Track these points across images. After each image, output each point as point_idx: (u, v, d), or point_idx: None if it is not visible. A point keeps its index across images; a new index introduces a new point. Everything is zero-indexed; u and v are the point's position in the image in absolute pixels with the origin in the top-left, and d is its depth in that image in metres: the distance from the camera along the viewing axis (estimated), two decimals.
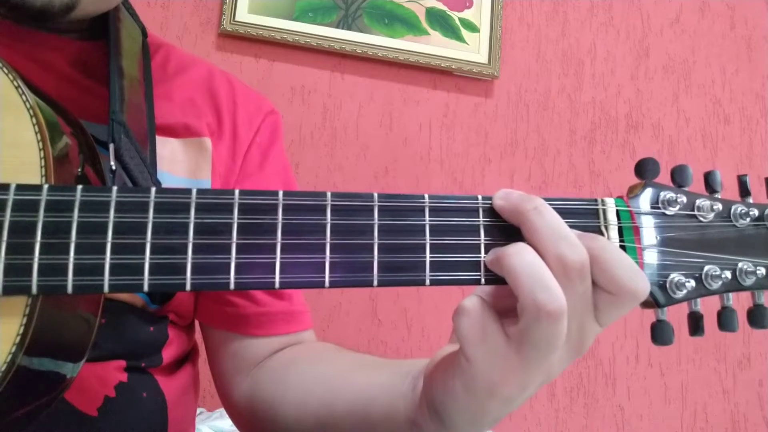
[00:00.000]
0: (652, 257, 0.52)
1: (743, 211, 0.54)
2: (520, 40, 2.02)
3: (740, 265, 0.53)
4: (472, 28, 1.95)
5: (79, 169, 0.54)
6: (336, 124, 1.86)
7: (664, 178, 0.56)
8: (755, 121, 2.13)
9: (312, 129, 1.84)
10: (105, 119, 0.66)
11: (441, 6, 1.95)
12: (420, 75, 1.93)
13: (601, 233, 0.52)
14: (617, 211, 0.53)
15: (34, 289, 0.45)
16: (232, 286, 0.47)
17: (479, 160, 1.92)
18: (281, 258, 0.47)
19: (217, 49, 1.83)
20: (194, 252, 0.47)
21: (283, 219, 0.48)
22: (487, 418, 0.51)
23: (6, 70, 0.50)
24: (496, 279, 0.50)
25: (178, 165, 0.77)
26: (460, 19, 1.95)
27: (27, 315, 0.45)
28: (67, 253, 0.45)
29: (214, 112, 0.84)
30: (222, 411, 1.28)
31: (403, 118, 1.90)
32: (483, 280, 0.50)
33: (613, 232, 0.53)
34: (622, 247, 0.52)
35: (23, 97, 0.50)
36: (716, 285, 0.53)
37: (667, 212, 0.54)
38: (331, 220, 0.49)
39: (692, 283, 0.52)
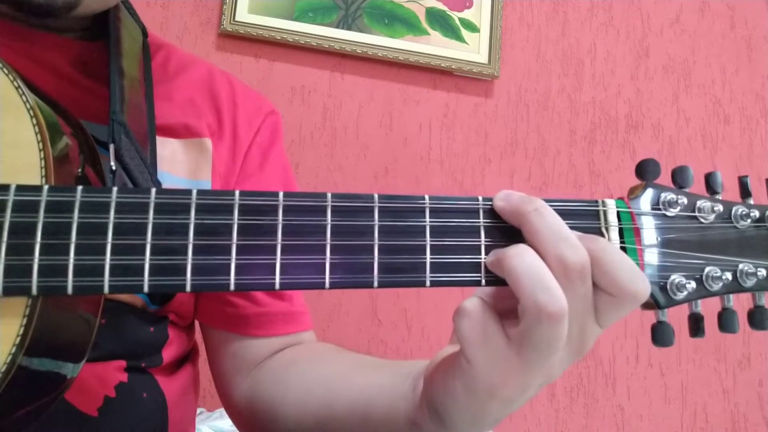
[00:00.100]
0: (652, 258, 0.52)
1: (744, 213, 0.54)
2: (520, 40, 2.02)
3: (741, 266, 0.53)
4: (472, 28, 1.95)
5: (80, 170, 0.54)
6: (336, 124, 1.86)
7: (664, 179, 0.56)
8: (755, 121, 2.13)
9: (312, 129, 1.84)
10: (105, 119, 0.66)
11: (441, 6, 1.94)
12: (420, 75, 1.93)
13: (602, 234, 0.52)
14: (618, 212, 0.53)
15: (34, 290, 0.45)
16: (232, 287, 0.47)
17: (479, 160, 1.92)
18: (281, 259, 0.47)
19: (217, 49, 1.83)
20: (194, 253, 0.46)
21: (283, 220, 0.48)
22: (487, 419, 0.51)
23: (6, 71, 0.50)
24: (496, 280, 0.50)
25: (179, 165, 0.77)
26: (460, 19, 1.95)
27: (27, 316, 0.45)
28: (67, 253, 0.45)
29: (215, 112, 0.84)
30: (222, 411, 1.28)
31: (403, 118, 1.90)
32: (483, 282, 0.50)
33: (614, 234, 0.53)
34: (623, 249, 0.52)
35: (23, 97, 0.50)
36: (717, 286, 0.53)
37: (668, 213, 0.54)
38: (332, 221, 0.49)
39: (693, 284, 0.52)
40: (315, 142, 1.83)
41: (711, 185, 0.56)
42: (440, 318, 1.80)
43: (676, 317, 0.55)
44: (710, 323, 0.55)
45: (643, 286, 0.48)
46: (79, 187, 0.47)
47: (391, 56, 1.88)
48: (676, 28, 2.14)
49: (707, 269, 0.53)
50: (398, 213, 0.50)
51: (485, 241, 0.50)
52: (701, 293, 0.53)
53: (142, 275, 0.46)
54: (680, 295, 0.52)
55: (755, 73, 2.16)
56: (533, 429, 1.84)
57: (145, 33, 0.83)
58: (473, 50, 1.94)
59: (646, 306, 0.52)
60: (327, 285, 0.48)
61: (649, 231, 0.53)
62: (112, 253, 0.46)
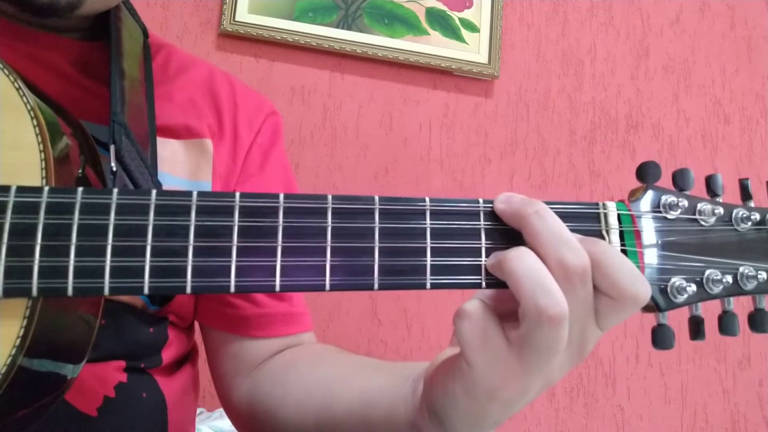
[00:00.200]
0: (653, 261, 0.52)
1: (745, 215, 0.54)
2: (520, 40, 2.02)
3: (741, 269, 0.53)
4: (472, 28, 1.95)
5: (80, 171, 0.54)
6: (336, 124, 1.86)
7: (665, 181, 0.56)
8: (755, 121, 2.13)
9: (312, 129, 1.84)
10: (105, 120, 0.66)
11: (441, 6, 1.94)
12: (420, 75, 1.93)
13: (603, 237, 0.52)
14: (618, 214, 0.53)
15: (35, 292, 0.45)
16: (232, 289, 0.47)
17: (479, 160, 1.92)
18: (282, 261, 0.47)
19: (217, 49, 1.83)
20: (195, 255, 0.46)
21: (283, 222, 0.48)
22: (487, 421, 0.51)
23: (7, 72, 0.50)
24: (497, 283, 0.49)
25: (179, 166, 0.77)
26: (460, 19, 1.95)
27: (27, 317, 0.45)
28: (68, 255, 0.45)
29: (215, 113, 0.84)
30: (222, 411, 1.28)
31: (403, 118, 1.90)
32: (484, 284, 0.50)
33: (615, 236, 0.53)
34: (624, 251, 0.52)
35: (24, 98, 0.50)
36: (717, 289, 0.53)
37: (669, 216, 0.53)
38: (332, 223, 0.49)
39: (693, 287, 0.52)
40: (315, 142, 1.83)
41: (711, 188, 0.56)
42: (440, 318, 1.80)
43: (676, 318, 0.55)
44: (710, 325, 0.55)
45: (643, 289, 0.48)
46: (80, 189, 0.47)
47: (391, 56, 1.88)
48: (676, 28, 2.14)
49: (708, 272, 0.53)
50: (399, 215, 0.50)
51: (486, 244, 0.50)
52: (702, 296, 0.53)
53: (143, 277, 0.46)
54: (681, 298, 0.52)
55: (755, 73, 2.16)
56: (533, 429, 1.84)
57: (145, 33, 0.83)
58: (473, 50, 1.94)
59: (647, 309, 0.52)
60: (327, 287, 0.48)
61: (650, 234, 0.53)
62: (113, 254, 0.46)
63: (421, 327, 1.81)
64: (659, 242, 0.53)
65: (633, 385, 1.90)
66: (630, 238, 0.53)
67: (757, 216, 0.54)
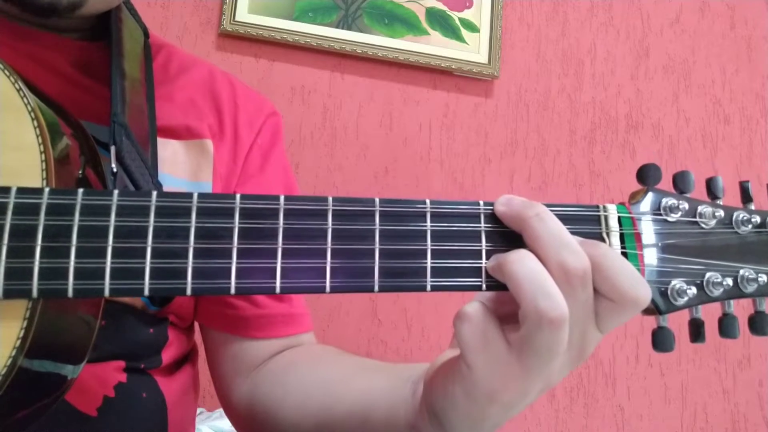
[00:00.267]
0: (653, 264, 0.52)
1: (745, 218, 0.54)
2: (520, 40, 2.02)
3: (742, 272, 0.53)
4: (472, 28, 1.95)
5: (80, 171, 0.54)
6: (336, 124, 1.86)
7: (665, 183, 0.55)
8: (755, 121, 2.13)
9: (312, 129, 1.84)
10: (106, 120, 0.66)
11: (441, 6, 1.94)
12: (420, 75, 1.93)
13: (603, 240, 0.52)
14: (619, 217, 0.53)
15: (35, 293, 0.45)
16: (232, 291, 0.47)
17: (479, 160, 1.92)
18: (282, 263, 0.47)
19: (217, 49, 1.83)
20: (195, 256, 0.46)
21: (284, 224, 0.48)
22: (487, 423, 0.51)
23: (8, 72, 0.50)
24: (497, 285, 0.49)
25: (180, 167, 0.77)
26: (460, 19, 1.95)
27: (27, 318, 0.45)
28: (68, 256, 0.45)
29: (216, 113, 0.83)
30: (222, 411, 1.28)
31: (403, 118, 1.90)
32: (484, 287, 0.50)
33: (615, 239, 0.53)
34: (624, 254, 0.52)
35: (24, 99, 0.50)
36: (718, 292, 0.53)
37: (669, 219, 0.53)
38: (333, 225, 0.49)
39: (693, 290, 0.52)
40: (315, 142, 1.83)
41: (712, 190, 0.56)
42: (440, 318, 1.80)
43: (676, 319, 0.55)
44: (710, 327, 0.55)
45: (644, 292, 0.48)
46: (80, 190, 0.47)
47: (391, 56, 1.88)
48: (676, 28, 2.14)
49: (708, 275, 0.53)
50: (399, 217, 0.50)
51: (486, 246, 0.50)
52: (702, 299, 0.53)
53: (143, 278, 0.46)
54: (681, 301, 0.52)
55: (755, 73, 2.16)
56: (533, 429, 1.84)
57: (146, 33, 0.83)
58: (473, 50, 1.94)
59: (647, 311, 0.52)
60: (328, 289, 0.48)
61: (650, 236, 0.53)
62: (113, 256, 0.46)
63: (421, 327, 1.81)
64: (659, 245, 0.53)
65: (633, 385, 1.91)
66: (630, 241, 0.53)
67: (757, 219, 0.54)
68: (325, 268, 0.48)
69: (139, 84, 0.74)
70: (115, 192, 0.47)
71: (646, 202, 0.54)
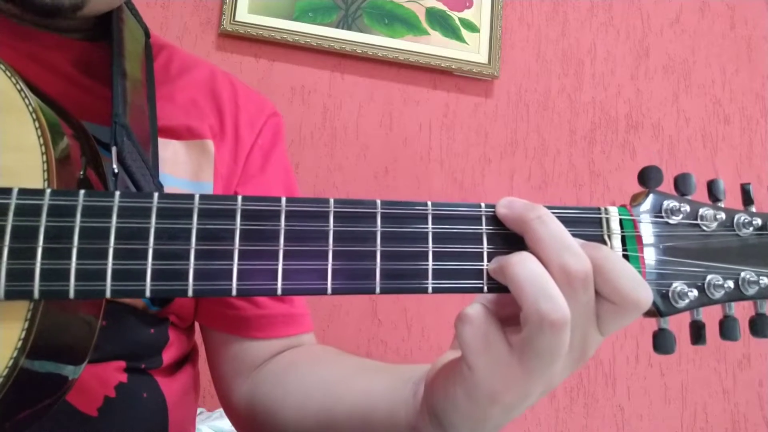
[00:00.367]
0: (654, 266, 0.52)
1: (746, 221, 0.54)
2: (520, 40, 2.02)
3: (743, 274, 0.53)
4: (472, 28, 1.95)
5: (81, 172, 0.54)
6: (336, 124, 1.85)
7: (666, 185, 0.55)
8: (755, 121, 2.13)
9: (312, 129, 1.84)
10: (107, 120, 0.66)
11: (441, 6, 1.94)
12: (420, 75, 1.93)
13: (604, 242, 0.52)
14: (620, 220, 0.53)
15: (36, 294, 0.45)
16: (234, 293, 0.47)
17: (479, 160, 1.92)
18: (283, 265, 0.47)
19: (217, 49, 1.83)
20: (196, 258, 0.46)
21: (285, 225, 0.48)
22: (488, 425, 0.51)
23: (9, 73, 0.50)
24: (498, 287, 0.50)
25: (180, 167, 0.77)
26: (460, 19, 1.95)
27: (29, 319, 0.45)
28: (69, 258, 0.45)
29: (217, 113, 0.83)
30: (222, 411, 1.28)
31: (403, 118, 1.90)
32: (486, 289, 0.50)
33: (616, 241, 0.53)
34: (625, 257, 0.52)
35: (26, 100, 0.50)
36: (719, 294, 0.53)
37: (670, 221, 0.54)
38: (334, 227, 0.49)
39: (695, 292, 0.52)
40: (315, 142, 1.83)
41: (713, 192, 0.56)
42: (440, 318, 1.80)
43: (676, 319, 0.55)
44: (711, 329, 0.55)
45: (645, 295, 0.48)
46: (82, 191, 0.47)
47: (391, 56, 1.88)
48: (676, 28, 2.14)
49: (709, 277, 0.53)
50: (400, 219, 0.50)
51: (488, 248, 0.50)
52: (703, 301, 0.53)
53: (144, 280, 0.46)
54: (682, 303, 0.52)
55: (755, 73, 2.16)
56: (533, 429, 1.84)
57: (147, 34, 0.83)
58: (473, 50, 1.94)
59: (648, 314, 0.52)
60: (329, 291, 0.48)
61: (652, 238, 0.53)
62: (114, 257, 0.46)
63: (421, 327, 1.81)
64: (661, 247, 0.53)
65: (633, 385, 1.91)
66: (632, 243, 0.53)
67: (758, 221, 0.54)
68: (326, 269, 0.48)
69: (140, 84, 0.74)
70: (117, 193, 0.47)
71: (648, 205, 0.54)
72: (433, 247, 0.50)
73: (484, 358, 0.48)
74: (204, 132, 0.80)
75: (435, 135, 1.91)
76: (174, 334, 0.78)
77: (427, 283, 0.49)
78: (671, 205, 0.54)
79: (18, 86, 0.50)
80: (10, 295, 0.45)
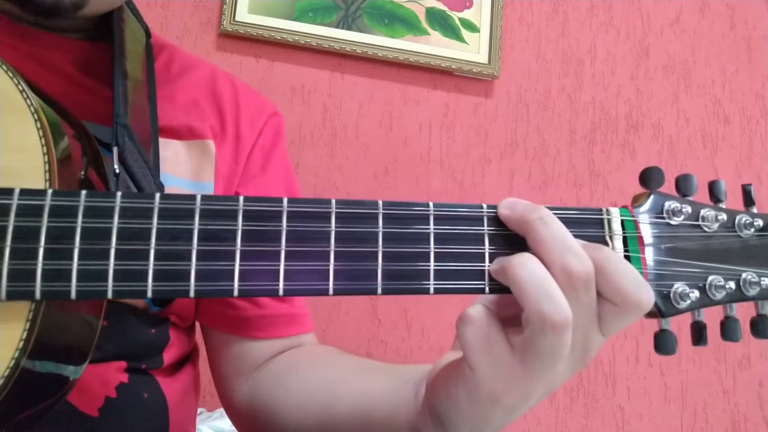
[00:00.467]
0: (656, 267, 0.52)
1: (748, 222, 0.54)
2: (520, 40, 2.02)
3: (744, 275, 0.53)
4: (472, 28, 1.95)
5: (82, 173, 0.54)
6: (336, 124, 1.86)
7: (667, 186, 0.55)
8: (755, 121, 2.13)
9: (312, 129, 1.84)
10: (108, 120, 0.66)
11: (441, 6, 1.94)
12: (420, 75, 1.93)
13: (606, 243, 0.52)
14: (622, 220, 0.53)
15: (38, 295, 0.45)
16: (235, 293, 0.47)
17: (479, 160, 1.92)
18: (285, 265, 0.47)
19: (217, 49, 1.83)
20: (198, 259, 0.46)
21: (287, 226, 0.48)
22: (490, 425, 0.51)
23: (11, 74, 0.50)
24: (500, 288, 0.50)
25: (181, 167, 0.77)
26: (460, 19, 1.95)
27: (30, 320, 0.45)
28: (71, 258, 0.45)
29: (217, 113, 0.83)
30: (222, 411, 1.28)
31: (403, 118, 1.90)
32: (487, 290, 0.50)
33: (618, 242, 0.53)
34: (627, 257, 0.52)
35: (27, 101, 0.50)
36: (720, 295, 0.53)
37: (672, 222, 0.54)
38: (336, 227, 0.49)
39: (696, 293, 0.52)
40: (315, 142, 1.83)
41: (715, 193, 0.56)
42: (440, 318, 1.80)
43: (676, 318, 0.55)
44: (712, 329, 0.55)
45: (646, 296, 0.48)
46: (83, 192, 0.47)
47: (391, 56, 1.88)
48: (676, 28, 2.14)
49: (710, 278, 0.53)
50: (402, 220, 0.50)
51: (489, 249, 0.50)
52: (704, 302, 0.53)
53: (146, 281, 0.46)
54: (683, 304, 0.52)
55: (755, 73, 2.16)
56: (533, 429, 1.84)
57: (148, 33, 0.83)
58: (473, 50, 1.94)
59: (649, 314, 0.52)
60: (331, 292, 0.48)
61: (653, 239, 0.53)
62: (116, 258, 0.46)
63: (421, 327, 1.81)
64: (662, 248, 0.53)
65: (633, 385, 1.91)
66: (633, 244, 0.53)
67: (760, 222, 0.54)
68: (328, 270, 0.48)
69: (141, 84, 0.74)
70: (119, 194, 0.47)
71: (650, 206, 0.54)
72: (434, 248, 0.50)
73: (485, 359, 0.48)
74: (205, 132, 0.80)
75: (435, 135, 1.91)
76: (175, 334, 0.78)
77: (429, 284, 0.49)
78: (673, 206, 0.54)
79: (20, 86, 0.50)
80: (11, 296, 0.45)
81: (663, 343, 0.53)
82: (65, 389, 0.52)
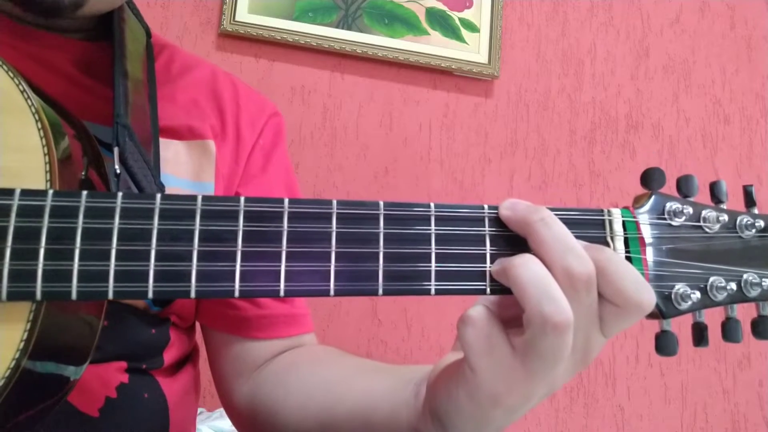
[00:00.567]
0: (657, 268, 0.52)
1: (749, 222, 0.54)
2: (520, 40, 2.02)
3: (745, 276, 0.53)
4: (472, 28, 1.95)
5: (83, 173, 0.54)
6: (336, 124, 1.85)
7: (668, 187, 0.55)
8: (755, 121, 2.13)
9: (312, 129, 1.84)
10: (108, 121, 0.66)
11: (441, 6, 1.94)
12: (420, 75, 1.93)
13: (607, 244, 0.52)
14: (623, 221, 0.53)
15: (38, 296, 0.45)
16: (236, 294, 0.46)
17: (479, 160, 1.92)
18: (286, 266, 0.47)
19: (217, 49, 1.82)
20: (199, 259, 0.46)
21: (288, 227, 0.48)
22: (491, 426, 0.51)
23: (11, 74, 0.50)
24: (501, 289, 0.49)
25: (182, 167, 0.77)
26: (460, 19, 1.95)
27: (31, 321, 0.45)
28: (72, 259, 0.45)
29: (218, 114, 0.83)
30: (222, 411, 1.28)
31: (403, 118, 1.90)
32: (488, 291, 0.50)
33: (619, 243, 0.53)
34: (628, 258, 0.52)
35: (28, 101, 0.50)
36: (721, 296, 0.53)
37: (673, 223, 0.54)
38: (337, 228, 0.49)
39: (697, 294, 0.52)
40: (315, 142, 1.83)
41: (716, 194, 0.56)
42: (440, 318, 1.80)
43: (676, 319, 0.55)
44: (713, 330, 0.55)
45: (648, 297, 0.48)
46: (84, 192, 0.47)
47: (391, 56, 1.88)
48: (676, 28, 2.14)
49: (712, 279, 0.53)
50: (403, 220, 0.50)
51: (490, 250, 0.50)
52: (705, 303, 0.53)
53: (147, 281, 0.46)
54: (684, 305, 0.52)
55: (755, 73, 2.16)
56: (533, 429, 1.84)
57: (148, 33, 0.83)
58: (473, 50, 1.94)
59: (651, 315, 0.52)
60: (332, 292, 0.48)
61: (654, 240, 0.53)
62: (117, 258, 0.46)
63: (421, 327, 1.81)
64: (664, 249, 0.53)
65: (633, 385, 1.91)
66: (635, 245, 0.53)
67: (761, 223, 0.54)
68: (329, 271, 0.48)
69: (142, 84, 0.74)
70: (119, 194, 0.47)
71: (651, 206, 0.54)
72: (435, 249, 0.50)
73: (486, 360, 0.48)
74: (205, 132, 0.80)
75: (435, 135, 1.91)
76: (175, 334, 0.78)
77: (430, 285, 0.49)
78: (674, 206, 0.54)
79: (20, 87, 0.50)
80: (12, 297, 0.45)
81: (664, 344, 0.53)
82: (66, 389, 0.52)
